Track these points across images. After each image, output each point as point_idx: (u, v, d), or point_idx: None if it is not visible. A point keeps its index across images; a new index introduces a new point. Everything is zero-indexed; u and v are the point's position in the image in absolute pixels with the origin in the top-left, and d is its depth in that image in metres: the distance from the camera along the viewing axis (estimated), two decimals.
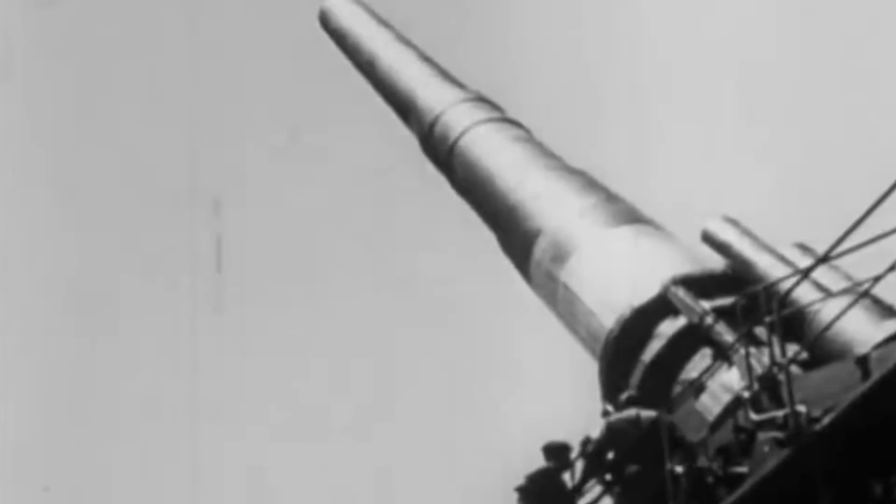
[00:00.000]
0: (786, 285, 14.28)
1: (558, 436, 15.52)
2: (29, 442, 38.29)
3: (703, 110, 34.87)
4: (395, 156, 29.17)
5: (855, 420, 11.90)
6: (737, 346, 14.66)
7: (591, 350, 17.51)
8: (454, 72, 23.30)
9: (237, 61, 41.09)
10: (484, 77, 23.93)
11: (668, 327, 16.33)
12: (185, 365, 35.41)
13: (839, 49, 33.51)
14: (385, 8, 25.31)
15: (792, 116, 33.43)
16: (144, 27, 41.78)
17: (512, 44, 37.90)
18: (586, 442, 15.10)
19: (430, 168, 22.34)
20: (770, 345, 13.23)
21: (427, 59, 23.50)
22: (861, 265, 13.49)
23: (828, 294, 14.94)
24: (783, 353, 13.04)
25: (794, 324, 14.29)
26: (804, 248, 16.37)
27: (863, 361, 12.18)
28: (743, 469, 12.95)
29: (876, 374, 11.90)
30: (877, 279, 12.91)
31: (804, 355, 13.92)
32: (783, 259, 16.27)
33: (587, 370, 17.44)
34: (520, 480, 15.47)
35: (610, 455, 14.81)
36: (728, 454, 13.32)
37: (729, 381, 14.76)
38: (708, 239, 17.46)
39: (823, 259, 13.31)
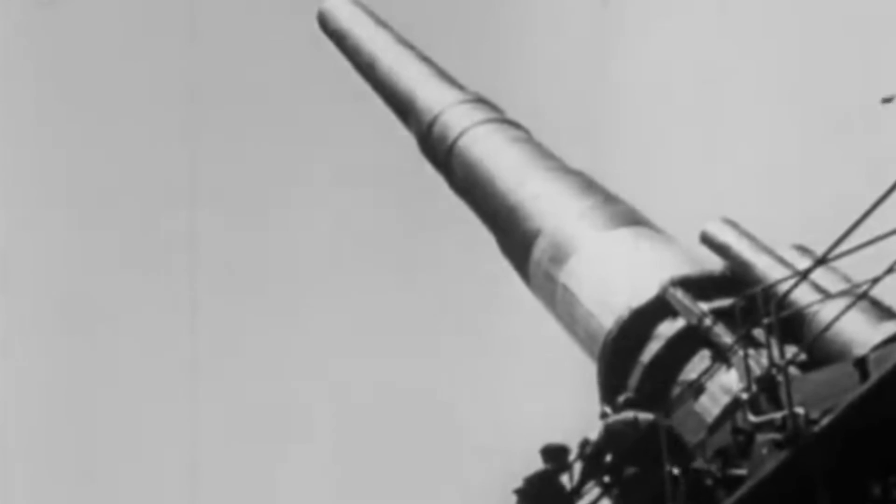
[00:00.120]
0: (784, 287, 14.28)
1: (556, 438, 15.52)
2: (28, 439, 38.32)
3: (702, 112, 34.85)
4: (394, 156, 29.17)
5: (853, 421, 11.90)
6: (735, 347, 14.66)
7: (590, 351, 17.50)
8: (453, 73, 23.30)
9: (237, 61, 41.11)
10: (484, 78, 23.93)
11: (667, 329, 16.33)
12: (184, 365, 35.41)
13: (839, 49, 33.49)
14: (384, 9, 25.32)
15: (790, 118, 33.42)
16: (144, 27, 41.80)
17: (512, 45, 37.91)
18: (584, 444, 15.08)
19: (428, 168, 22.37)
20: (768, 346, 13.24)
21: (426, 60, 23.51)
22: (859, 267, 13.50)
23: (826, 296, 14.94)
24: (782, 354, 13.04)
25: (792, 325, 14.28)
26: (803, 250, 16.37)
27: (861, 363, 12.18)
28: (742, 471, 12.95)
29: (874, 376, 11.91)
30: (875, 281, 12.92)
31: (803, 357, 13.93)
32: (782, 260, 16.27)
33: (585, 371, 17.47)
34: (518, 482, 15.45)
35: (608, 457, 14.79)
36: (727, 456, 13.32)
37: (728, 383, 14.75)
38: (707, 240, 17.46)
39: (822, 261, 13.31)
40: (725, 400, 14.51)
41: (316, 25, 25.76)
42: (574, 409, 17.99)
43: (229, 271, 38.84)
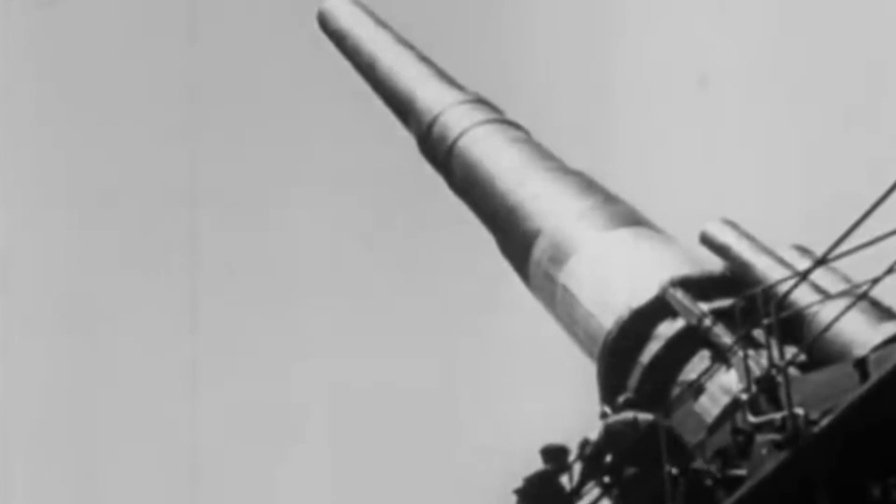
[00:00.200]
0: (784, 287, 14.28)
1: (556, 438, 15.52)
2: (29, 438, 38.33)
3: (702, 112, 34.86)
4: (394, 157, 29.18)
5: (853, 422, 11.90)
6: (735, 348, 14.64)
7: (589, 352, 17.51)
8: (453, 73, 23.29)
9: (237, 61, 41.11)
10: (483, 79, 23.92)
11: (667, 329, 16.31)
12: (184, 365, 35.43)
13: (839, 49, 33.50)
14: (384, 9, 25.31)
15: (790, 118, 33.43)
16: (144, 27, 41.80)
17: (512, 46, 37.91)
18: (584, 444, 15.08)
19: (427, 169, 22.36)
20: (768, 347, 13.23)
21: (426, 61, 23.49)
22: (859, 267, 13.50)
23: (826, 296, 14.94)
24: (781, 355, 13.04)
25: (792, 326, 14.27)
26: (803, 250, 16.37)
27: (861, 364, 12.18)
28: (741, 471, 12.95)
29: (874, 377, 11.90)
30: (875, 281, 12.91)
31: (802, 357, 13.92)
32: (782, 261, 16.28)
33: (585, 372, 17.47)
34: (518, 482, 15.45)
35: (608, 457, 14.78)
36: (726, 456, 13.32)
37: (727, 383, 14.75)
38: (706, 241, 17.46)
39: (822, 261, 13.30)
40: (725, 400, 14.50)
41: (316, 25, 25.76)
42: (574, 410, 18.01)
43: (229, 271, 38.86)
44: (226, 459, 37.36)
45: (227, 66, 40.18)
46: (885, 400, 11.75)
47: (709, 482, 13.43)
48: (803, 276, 14.26)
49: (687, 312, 16.09)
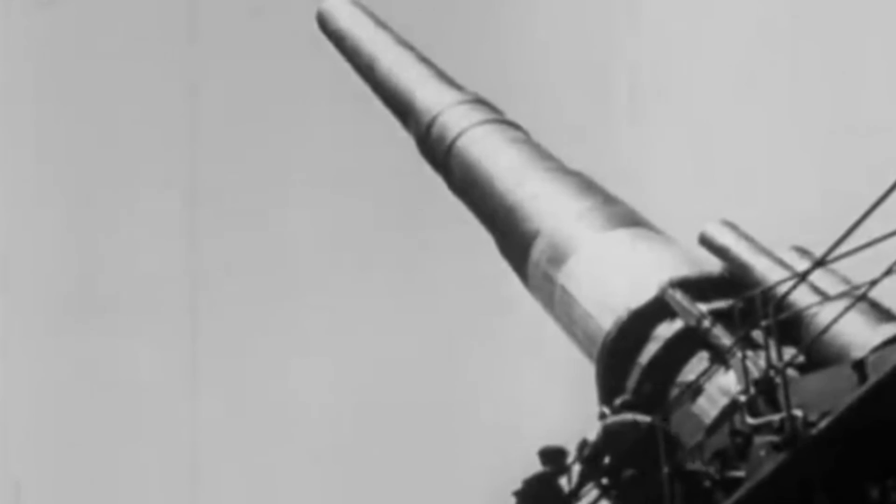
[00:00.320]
0: (783, 288, 14.26)
1: (555, 439, 15.49)
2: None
3: (701, 113, 34.86)
4: (393, 157, 29.17)
5: (851, 424, 11.88)
6: (734, 349, 14.60)
7: (588, 353, 17.49)
8: (453, 74, 23.28)
9: (236, 60, 41.09)
10: (483, 79, 23.90)
11: (666, 330, 16.25)
12: (184, 364, 35.43)
13: (838, 50, 33.48)
14: (384, 9, 25.30)
15: (789, 118, 33.42)
16: (144, 27, 41.78)
17: (512, 46, 37.89)
18: (583, 445, 15.06)
19: (427, 169, 22.34)
20: (767, 348, 13.21)
21: (425, 61, 23.46)
22: (858, 268, 13.48)
23: (825, 297, 14.91)
24: (780, 356, 13.03)
25: (791, 327, 14.27)
26: (802, 252, 16.33)
27: (859, 365, 12.17)
28: (740, 473, 12.94)
29: (872, 379, 11.89)
30: (874, 283, 12.89)
31: (801, 359, 13.86)
32: (781, 262, 16.25)
33: (583, 372, 17.43)
34: (517, 485, 15.42)
35: (606, 459, 14.77)
36: (725, 458, 13.31)
37: (726, 385, 14.71)
38: (705, 242, 17.42)
39: (821, 262, 13.28)
40: (724, 402, 14.47)
41: (315, 26, 25.74)
42: (572, 410, 17.98)
43: (229, 270, 38.85)
44: (226, 458, 37.36)
45: (227, 66, 40.17)
46: (883, 402, 11.73)
47: (707, 484, 13.42)
48: (802, 277, 14.23)
49: (686, 313, 16.03)
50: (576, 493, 15.00)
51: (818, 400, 12.32)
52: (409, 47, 23.85)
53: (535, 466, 15.42)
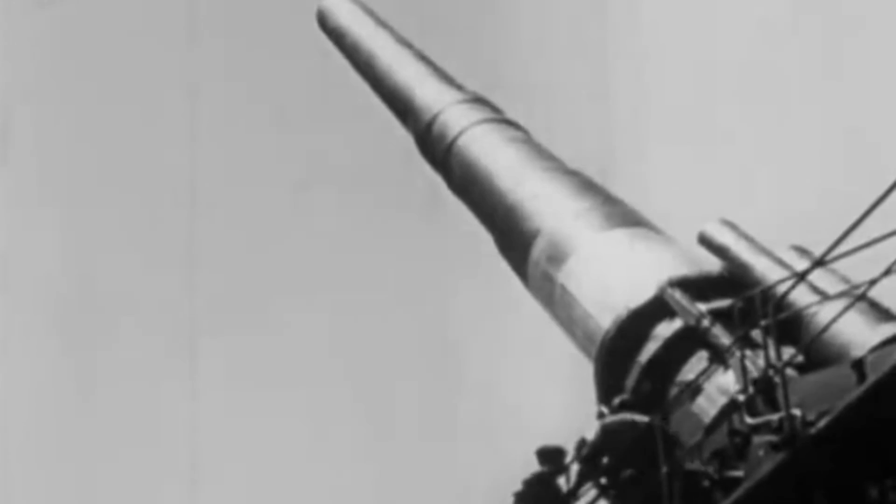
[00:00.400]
0: (782, 288, 14.24)
1: (554, 439, 15.46)
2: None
3: (701, 112, 34.83)
4: (391, 158, 29.17)
5: (850, 423, 11.86)
6: (733, 348, 14.57)
7: (587, 351, 17.46)
8: (453, 72, 23.24)
9: (236, 60, 41.08)
10: (484, 77, 23.87)
11: (665, 329, 16.20)
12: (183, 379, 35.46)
13: (838, 50, 33.47)
14: (383, 8, 25.27)
15: (790, 118, 33.39)
16: (144, 26, 41.76)
17: (512, 45, 37.88)
18: (581, 445, 15.03)
19: (426, 168, 22.30)
20: (766, 347, 13.19)
21: (425, 60, 23.42)
22: (858, 268, 13.47)
23: (824, 297, 14.88)
24: (779, 356, 13.01)
25: (790, 326, 14.22)
26: (801, 251, 16.29)
27: (858, 365, 12.16)
28: (738, 473, 12.93)
29: (871, 378, 11.87)
30: (873, 282, 12.88)
31: (800, 358, 13.84)
32: (780, 262, 16.21)
33: (583, 372, 17.38)
34: (517, 485, 15.40)
35: (605, 459, 14.75)
36: (723, 458, 13.29)
37: (725, 384, 14.67)
38: (705, 241, 17.38)
39: (820, 262, 13.28)
40: (722, 401, 14.42)
41: (315, 24, 25.71)
42: (571, 409, 17.92)
43: (228, 273, 38.85)
44: (225, 459, 37.36)
45: (225, 64, 40.15)
46: (882, 401, 11.72)
47: (705, 483, 13.40)
48: (801, 276, 14.22)
49: (685, 313, 15.98)
50: (574, 492, 14.97)
51: (817, 399, 12.30)
52: (409, 46, 23.78)
53: (534, 466, 15.39)
